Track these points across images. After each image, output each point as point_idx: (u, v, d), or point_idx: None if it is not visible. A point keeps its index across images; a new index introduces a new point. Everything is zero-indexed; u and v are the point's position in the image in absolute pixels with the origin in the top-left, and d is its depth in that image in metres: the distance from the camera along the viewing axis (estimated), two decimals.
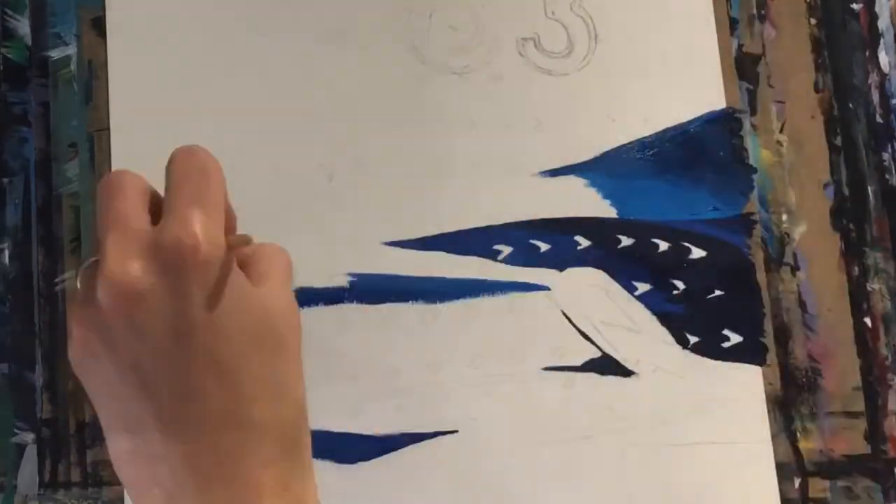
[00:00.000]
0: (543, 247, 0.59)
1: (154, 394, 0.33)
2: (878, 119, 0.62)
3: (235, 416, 0.33)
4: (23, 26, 0.59)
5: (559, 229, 0.59)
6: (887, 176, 0.61)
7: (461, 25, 0.61)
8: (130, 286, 0.32)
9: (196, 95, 0.59)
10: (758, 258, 0.60)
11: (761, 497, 0.57)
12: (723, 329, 0.58)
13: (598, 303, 0.58)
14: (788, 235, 0.60)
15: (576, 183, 0.59)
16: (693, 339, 0.58)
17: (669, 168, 0.60)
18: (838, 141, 0.61)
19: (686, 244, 0.59)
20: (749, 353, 0.58)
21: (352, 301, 0.57)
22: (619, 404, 0.57)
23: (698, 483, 0.56)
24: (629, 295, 0.58)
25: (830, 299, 0.59)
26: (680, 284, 0.59)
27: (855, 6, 0.63)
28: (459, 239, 0.58)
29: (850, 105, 0.62)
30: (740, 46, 0.62)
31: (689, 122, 0.60)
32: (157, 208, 0.34)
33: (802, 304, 0.59)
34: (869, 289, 0.60)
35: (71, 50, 0.59)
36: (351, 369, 0.56)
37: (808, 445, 0.58)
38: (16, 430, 0.55)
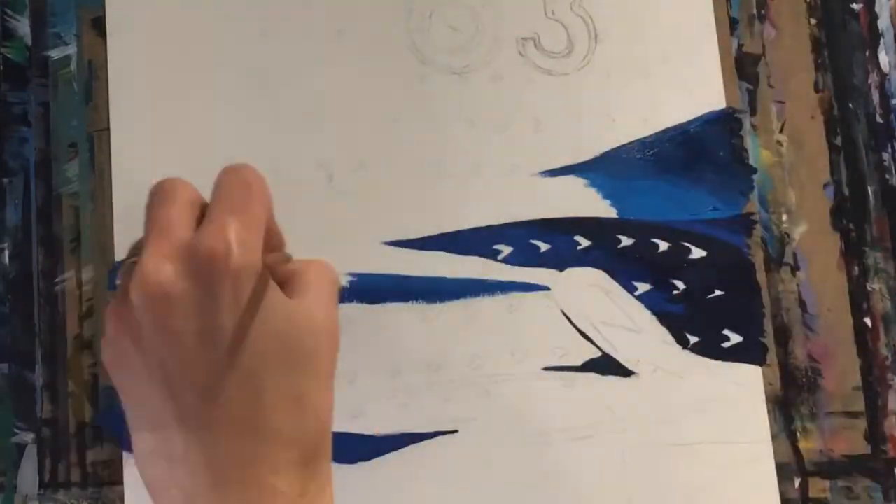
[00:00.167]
0: (543, 247, 0.59)
1: (177, 394, 0.33)
2: (878, 119, 0.62)
3: (254, 422, 0.34)
4: (23, 26, 0.59)
5: (559, 229, 0.59)
6: (887, 176, 0.61)
7: (461, 25, 0.61)
8: (161, 288, 0.32)
9: (196, 95, 0.59)
10: (758, 258, 0.60)
11: (761, 497, 0.57)
12: (723, 329, 0.58)
13: (598, 303, 0.58)
14: (788, 235, 0.60)
15: (576, 183, 0.59)
16: (693, 339, 0.58)
17: (669, 168, 0.60)
18: (838, 141, 0.61)
19: (686, 244, 0.59)
20: (749, 353, 0.58)
21: (352, 301, 0.57)
22: (619, 404, 0.57)
23: (698, 483, 0.56)
24: (629, 295, 0.58)
25: (830, 299, 0.59)
26: (680, 284, 0.59)
27: (855, 6, 0.63)
28: (459, 239, 0.58)
29: (850, 105, 0.62)
30: (740, 46, 0.62)
31: (689, 122, 0.61)
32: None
33: (802, 304, 0.59)
34: (869, 289, 0.60)
35: (71, 50, 0.59)
36: (351, 369, 0.56)
37: (808, 445, 0.58)
38: (16, 430, 0.55)
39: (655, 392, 0.57)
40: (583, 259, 0.59)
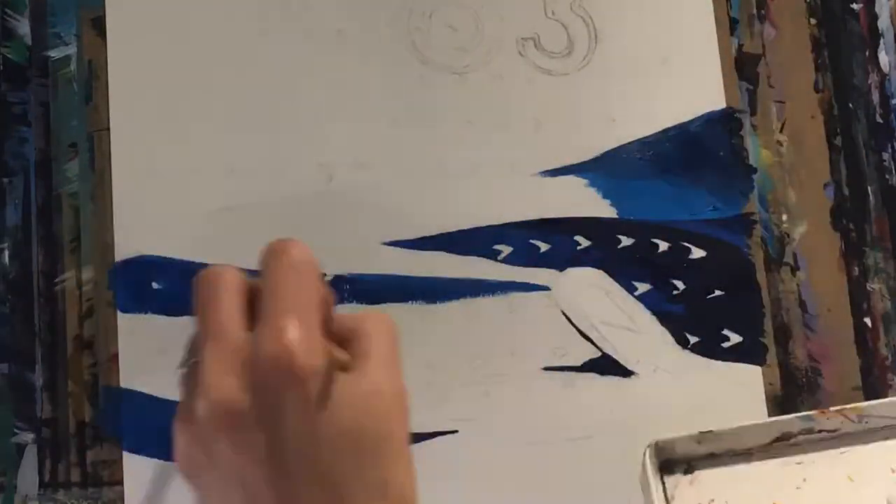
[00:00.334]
0: (543, 247, 0.59)
1: (256, 500, 0.33)
2: (878, 119, 0.62)
3: None
4: (23, 26, 0.59)
5: (559, 229, 0.59)
6: (887, 176, 0.61)
7: (461, 25, 0.61)
8: (229, 405, 0.32)
9: (196, 95, 0.59)
10: (758, 258, 0.60)
11: None
12: (723, 329, 0.58)
13: (598, 303, 0.58)
14: (788, 235, 0.60)
15: (576, 183, 0.59)
16: (693, 339, 0.58)
17: (669, 168, 0.60)
18: (838, 141, 0.61)
19: (686, 244, 0.59)
20: (749, 353, 0.58)
21: (351, 301, 0.57)
22: (619, 404, 0.57)
23: None
24: (629, 295, 0.58)
25: (830, 299, 0.59)
26: (680, 284, 0.59)
27: (855, 6, 0.63)
28: (459, 239, 0.58)
29: (850, 105, 0.62)
30: (740, 46, 0.62)
31: (689, 122, 0.60)
32: (254, 302, 0.34)
33: (802, 304, 0.59)
34: (869, 289, 0.60)
35: (71, 50, 0.59)
36: None
37: None
38: (16, 430, 0.55)
39: (655, 392, 0.57)
40: (583, 259, 0.59)
